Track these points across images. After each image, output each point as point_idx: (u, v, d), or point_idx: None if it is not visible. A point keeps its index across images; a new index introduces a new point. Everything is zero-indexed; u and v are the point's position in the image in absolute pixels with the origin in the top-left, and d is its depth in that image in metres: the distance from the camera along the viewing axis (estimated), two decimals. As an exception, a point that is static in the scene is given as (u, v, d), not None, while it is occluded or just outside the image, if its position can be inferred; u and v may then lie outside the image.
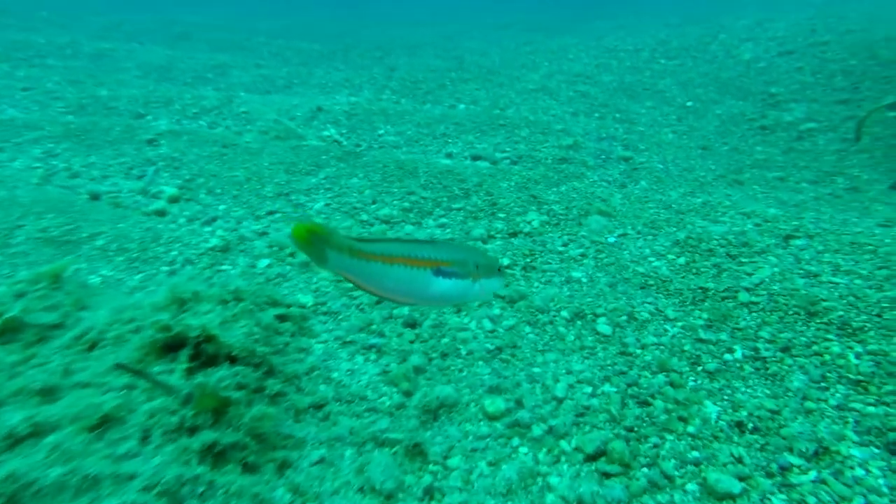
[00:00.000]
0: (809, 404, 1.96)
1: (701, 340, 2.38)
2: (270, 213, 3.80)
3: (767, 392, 2.04)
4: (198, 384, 1.64)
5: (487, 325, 2.57)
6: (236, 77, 8.41)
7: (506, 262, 3.13)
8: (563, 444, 1.89)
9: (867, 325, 2.30)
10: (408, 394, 2.15)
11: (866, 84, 6.60)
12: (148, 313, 1.94)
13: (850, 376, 2.06)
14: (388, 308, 2.71)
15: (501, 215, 3.72)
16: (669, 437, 1.87)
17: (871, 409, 1.89)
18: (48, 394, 1.43)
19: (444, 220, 3.71)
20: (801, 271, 2.85)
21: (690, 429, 1.89)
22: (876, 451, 1.73)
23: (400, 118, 6.10)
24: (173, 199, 3.91)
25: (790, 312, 2.47)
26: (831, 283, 2.69)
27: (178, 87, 7.37)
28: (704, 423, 1.91)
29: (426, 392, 2.14)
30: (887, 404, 1.90)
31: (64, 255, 2.90)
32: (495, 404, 2.07)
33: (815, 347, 2.23)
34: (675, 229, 3.46)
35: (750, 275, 2.84)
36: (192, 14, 16.73)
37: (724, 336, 2.39)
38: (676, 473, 1.72)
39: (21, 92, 6.30)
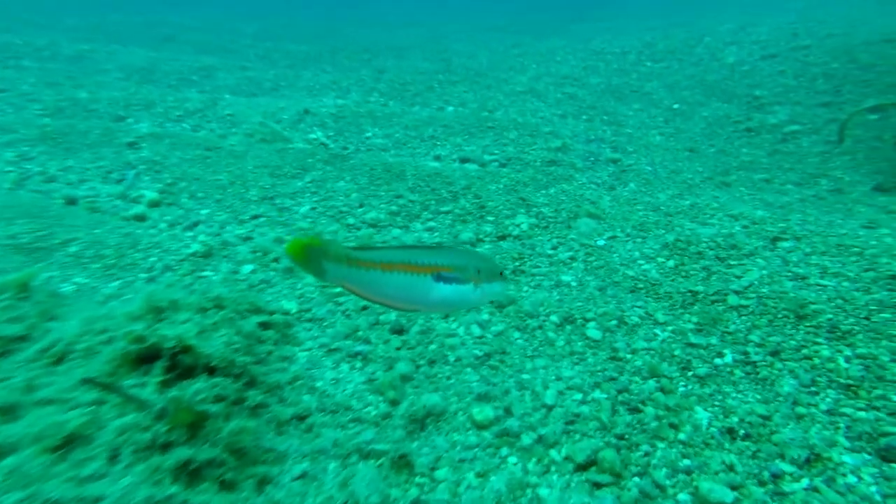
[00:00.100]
0: (800, 409, 1.94)
1: (691, 345, 2.35)
2: (255, 217, 3.71)
3: (758, 397, 2.02)
4: (172, 398, 1.56)
5: (476, 330, 2.52)
6: (221, 79, 8.29)
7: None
8: (553, 453, 1.85)
9: (856, 328, 2.29)
10: (394, 403, 2.09)
11: (847, 87, 6.70)
12: (121, 323, 1.86)
13: (841, 380, 2.05)
14: (375, 314, 2.65)
15: (490, 218, 3.68)
16: (661, 444, 1.84)
17: (861, 413, 1.88)
18: (8, 412, 1.34)
19: (432, 223, 3.66)
20: (790, 273, 2.84)
21: (682, 436, 1.86)
22: (868, 457, 1.71)
23: (388, 120, 6.04)
24: (154, 204, 3.80)
25: (779, 316, 2.46)
26: (819, 285, 2.69)
27: (161, 89, 7.24)
28: (696, 430, 1.88)
29: (413, 401, 2.08)
30: (877, 409, 1.89)
31: (34, 263, 2.79)
32: (484, 413, 2.02)
33: (804, 351, 2.22)
34: (664, 232, 3.45)
35: (739, 277, 2.84)
36: (177, 15, 16.50)
37: (714, 340, 2.37)
38: (668, 483, 1.69)
39: (-4, 93, 6.12)
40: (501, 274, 1.44)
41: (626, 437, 1.88)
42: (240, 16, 18.04)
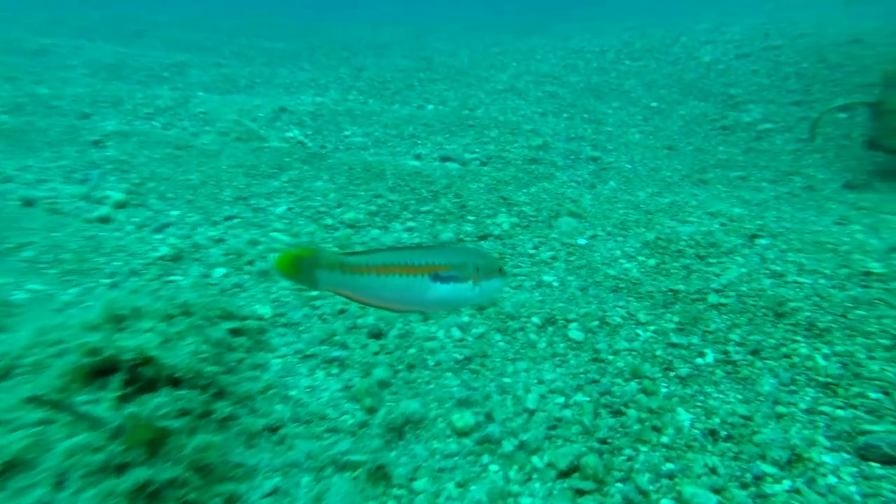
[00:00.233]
0: (780, 409, 1.93)
1: (672, 345, 2.34)
2: (228, 218, 3.58)
3: (739, 397, 2.01)
4: (130, 414, 1.46)
5: (456, 333, 2.46)
6: (195, 76, 8.04)
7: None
8: (535, 460, 1.80)
9: (833, 325, 2.31)
10: (371, 410, 2.02)
11: (817, 87, 6.86)
12: (76, 334, 1.74)
13: (819, 378, 2.05)
14: (352, 317, 2.57)
15: (471, 218, 3.62)
16: (643, 448, 1.81)
17: (840, 412, 1.88)
18: (-58, 437, 1.23)
19: (411, 223, 3.59)
20: (767, 271, 2.86)
21: (664, 439, 1.84)
22: (847, 456, 1.71)
23: (367, 119, 5.94)
24: (120, 205, 3.63)
25: (759, 314, 2.47)
26: (796, 282, 2.71)
27: (130, 85, 6.97)
28: (678, 433, 1.86)
29: (391, 408, 2.01)
30: (855, 407, 1.89)
31: (-16, 270, 2.62)
32: (464, 419, 1.96)
33: (783, 349, 2.22)
34: (644, 230, 3.45)
35: (718, 276, 2.84)
36: (149, 11, 16.00)
37: (695, 339, 2.36)
38: (651, 488, 1.66)
39: (-50, 89, 5.80)
40: (500, 269, 1.42)
41: (609, 441, 1.85)
42: (217, 13, 17.60)
